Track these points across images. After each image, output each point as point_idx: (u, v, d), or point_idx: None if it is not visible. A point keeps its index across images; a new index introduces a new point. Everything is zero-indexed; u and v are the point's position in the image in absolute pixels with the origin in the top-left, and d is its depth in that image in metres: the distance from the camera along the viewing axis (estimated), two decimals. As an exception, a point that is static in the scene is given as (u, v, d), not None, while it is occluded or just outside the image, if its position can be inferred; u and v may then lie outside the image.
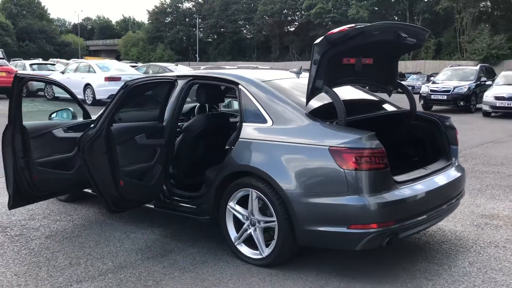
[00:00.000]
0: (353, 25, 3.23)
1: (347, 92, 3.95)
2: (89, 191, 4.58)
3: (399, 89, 4.43)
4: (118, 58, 60.95)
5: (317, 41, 3.24)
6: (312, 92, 3.33)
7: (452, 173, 3.70)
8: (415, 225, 3.23)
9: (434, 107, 17.00)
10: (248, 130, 3.51)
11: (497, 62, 38.06)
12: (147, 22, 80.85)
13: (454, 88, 16.56)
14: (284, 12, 63.65)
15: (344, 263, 3.48)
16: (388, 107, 4.10)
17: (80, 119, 4.66)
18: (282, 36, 64.09)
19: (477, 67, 18.44)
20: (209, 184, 3.90)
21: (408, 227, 3.16)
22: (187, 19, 74.72)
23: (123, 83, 3.71)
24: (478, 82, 17.11)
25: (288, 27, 66.06)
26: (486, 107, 15.01)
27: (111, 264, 3.50)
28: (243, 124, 3.56)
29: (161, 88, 3.94)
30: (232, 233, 3.59)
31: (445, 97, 16.56)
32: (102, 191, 3.62)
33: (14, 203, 3.94)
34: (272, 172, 3.24)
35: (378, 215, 2.99)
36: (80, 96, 15.08)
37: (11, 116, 3.76)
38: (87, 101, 15.45)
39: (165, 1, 75.17)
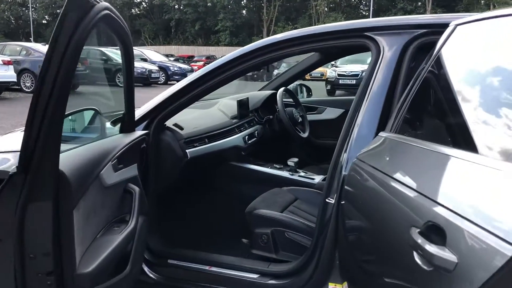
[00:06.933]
0: None
1: None
2: None
3: None
4: None
5: None
6: None
7: None
8: None
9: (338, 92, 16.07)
10: None
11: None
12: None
13: (363, 71, 15.88)
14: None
15: None
16: None
17: (114, 129, 1.98)
18: (132, 19, 59.33)
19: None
20: None
21: None
22: (14, -4, 64.66)
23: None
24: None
25: (137, 10, 61.48)
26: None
27: None
28: None
29: None
30: None
31: (353, 82, 15.71)
32: None
33: None
34: None
35: None
36: None
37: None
38: None
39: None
